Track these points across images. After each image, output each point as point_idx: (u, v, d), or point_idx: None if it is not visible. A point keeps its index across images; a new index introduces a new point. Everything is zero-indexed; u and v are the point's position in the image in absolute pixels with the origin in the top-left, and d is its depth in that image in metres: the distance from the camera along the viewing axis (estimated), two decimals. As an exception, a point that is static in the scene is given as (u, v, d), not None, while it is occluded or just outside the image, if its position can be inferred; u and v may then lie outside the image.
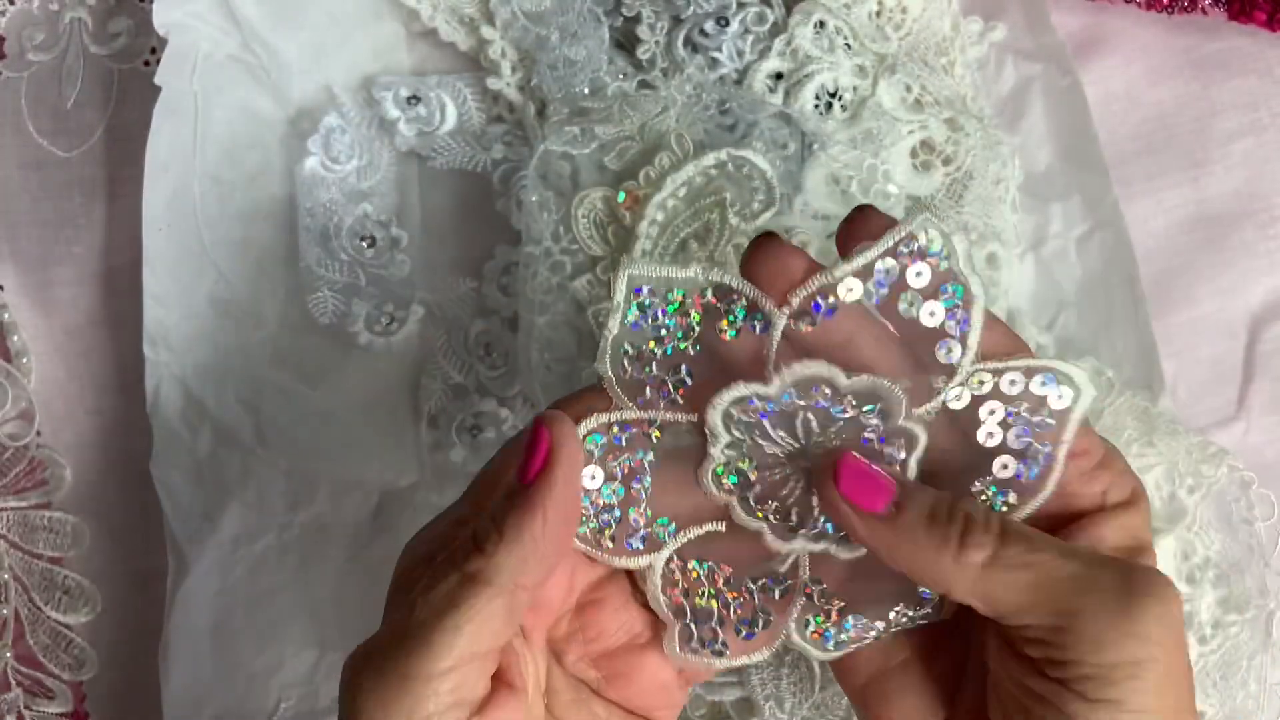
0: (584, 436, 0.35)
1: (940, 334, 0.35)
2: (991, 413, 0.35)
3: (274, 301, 0.55)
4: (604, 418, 0.36)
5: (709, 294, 0.35)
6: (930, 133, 0.52)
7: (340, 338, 0.55)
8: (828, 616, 0.37)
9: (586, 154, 0.50)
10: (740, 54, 0.53)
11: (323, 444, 0.54)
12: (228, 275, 0.55)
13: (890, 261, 0.34)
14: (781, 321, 0.35)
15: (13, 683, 0.54)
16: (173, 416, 0.53)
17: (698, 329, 0.35)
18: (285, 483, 0.54)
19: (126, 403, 0.56)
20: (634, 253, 0.49)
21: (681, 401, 0.36)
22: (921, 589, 0.37)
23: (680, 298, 0.35)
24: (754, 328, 0.35)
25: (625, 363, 0.36)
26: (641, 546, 0.37)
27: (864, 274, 0.34)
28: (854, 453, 0.34)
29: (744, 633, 0.37)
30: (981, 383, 0.35)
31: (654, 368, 0.36)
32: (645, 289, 0.35)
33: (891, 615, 0.37)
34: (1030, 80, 0.56)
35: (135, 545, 0.56)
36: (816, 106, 0.53)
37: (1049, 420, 0.35)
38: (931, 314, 0.35)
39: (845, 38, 0.53)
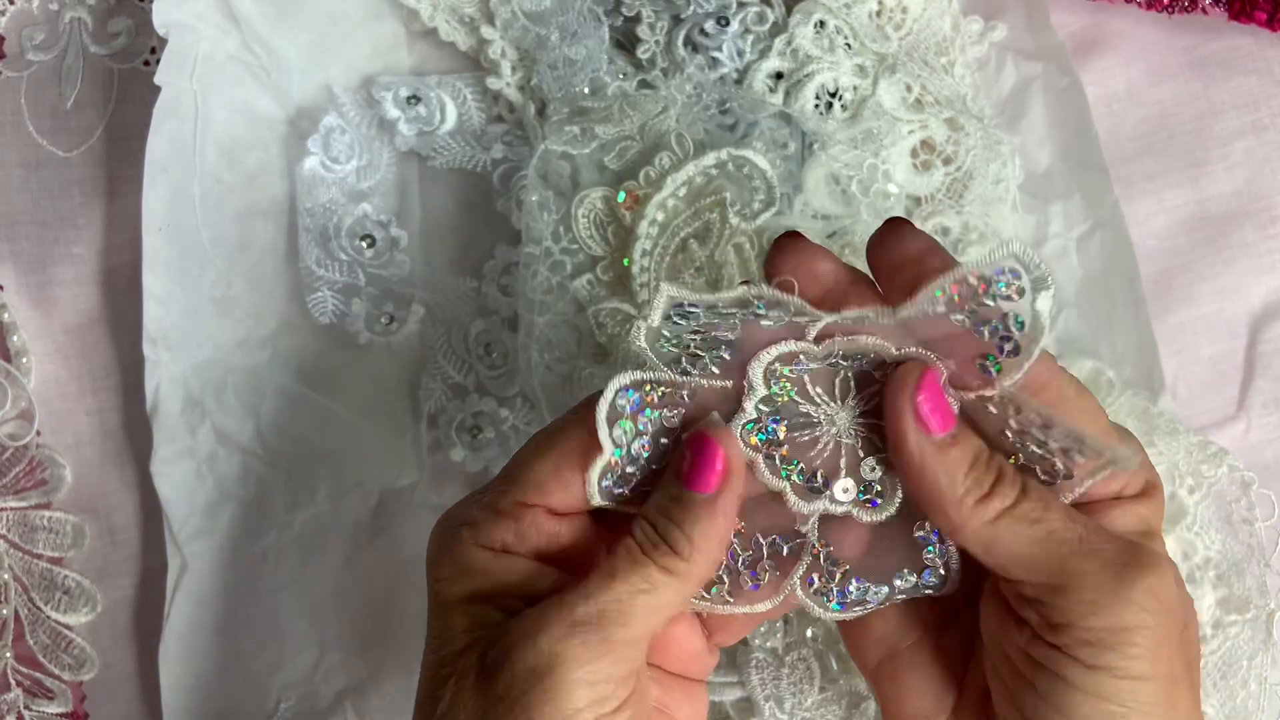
0: (618, 391, 0.36)
1: (990, 346, 0.35)
2: (1020, 429, 0.36)
3: (274, 301, 0.55)
4: (640, 375, 0.36)
5: (757, 306, 0.35)
6: (930, 132, 0.52)
7: (340, 338, 0.55)
8: (832, 578, 0.38)
9: (586, 154, 0.50)
10: (740, 54, 0.53)
11: (323, 444, 0.54)
12: (228, 275, 0.55)
13: (967, 285, 0.34)
14: (829, 318, 0.35)
15: (12, 683, 0.54)
16: (173, 416, 0.53)
17: (739, 325, 0.36)
18: (285, 483, 0.54)
19: (126, 403, 0.56)
20: (633, 253, 0.49)
21: (717, 372, 0.36)
22: (926, 558, 0.37)
23: (725, 309, 0.35)
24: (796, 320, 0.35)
25: (662, 342, 0.36)
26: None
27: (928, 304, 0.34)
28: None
29: (749, 584, 0.38)
30: (1019, 410, 0.35)
31: (692, 346, 0.36)
32: (686, 303, 0.35)
33: (897, 582, 0.37)
34: (1030, 80, 0.56)
35: (135, 545, 0.56)
36: (817, 106, 0.53)
37: (1078, 457, 0.35)
38: (992, 328, 0.34)
39: (845, 37, 0.53)
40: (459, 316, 0.55)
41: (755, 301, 0.35)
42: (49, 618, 0.55)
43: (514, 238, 0.54)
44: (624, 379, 0.36)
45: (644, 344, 0.36)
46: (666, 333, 0.36)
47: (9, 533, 0.55)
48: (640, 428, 0.36)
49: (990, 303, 0.34)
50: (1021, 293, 0.34)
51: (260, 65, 0.55)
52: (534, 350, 0.50)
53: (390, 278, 0.55)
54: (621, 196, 0.50)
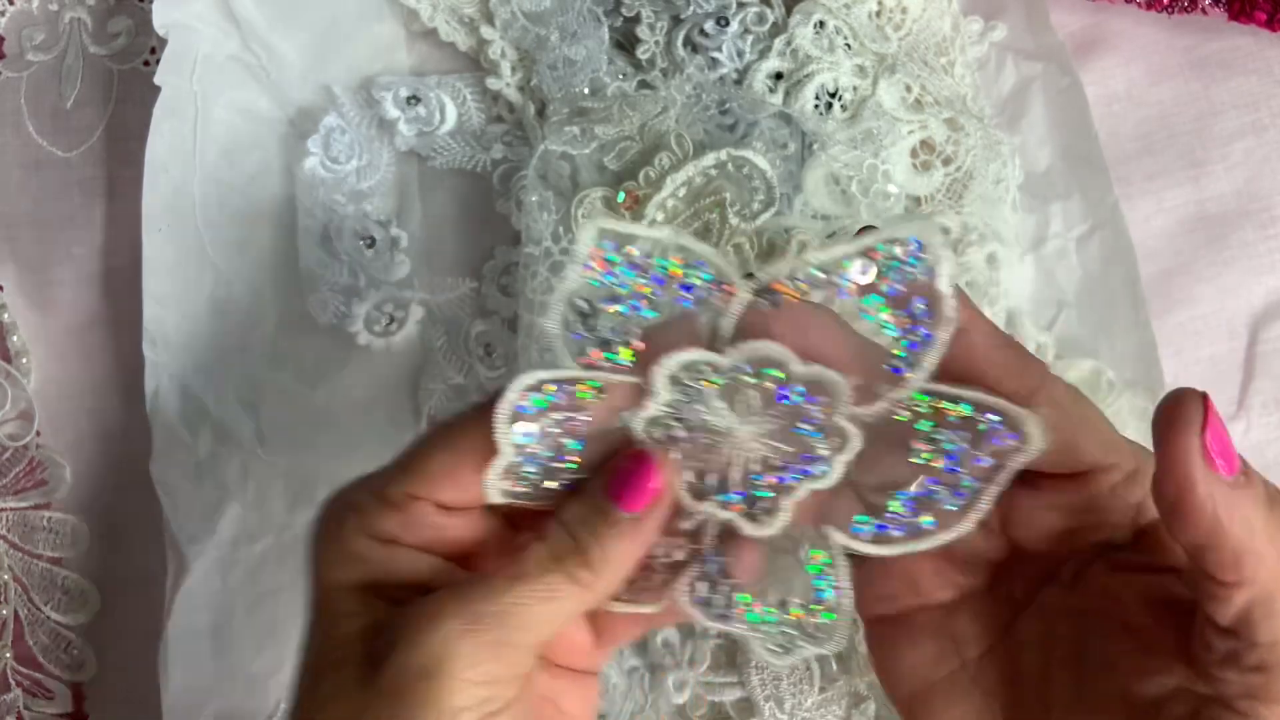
0: (521, 393, 0.34)
1: (897, 345, 0.34)
2: (927, 435, 0.34)
3: (274, 302, 0.55)
4: (545, 374, 0.35)
5: (673, 257, 0.34)
6: (930, 133, 0.52)
7: (340, 338, 0.55)
8: (716, 590, 0.36)
9: (586, 154, 0.50)
10: (740, 54, 0.53)
11: (323, 444, 0.54)
12: (228, 275, 0.55)
13: (867, 260, 0.33)
14: (746, 296, 0.34)
15: (12, 683, 0.54)
16: (173, 416, 0.53)
17: (659, 291, 0.34)
18: (285, 483, 0.54)
19: (126, 403, 0.56)
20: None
21: (625, 363, 0.35)
22: (819, 585, 0.36)
23: (646, 258, 0.34)
24: (713, 299, 0.34)
25: (572, 318, 0.35)
26: (556, 489, 0.36)
27: (833, 267, 0.33)
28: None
29: (637, 583, 0.37)
30: (932, 406, 0.34)
31: (601, 328, 0.35)
32: (611, 244, 0.34)
33: (788, 612, 0.36)
34: (1030, 80, 0.56)
35: (135, 545, 0.56)
36: (816, 106, 0.53)
37: (986, 459, 0.34)
38: (893, 323, 0.33)
39: (845, 38, 0.53)
40: (459, 317, 0.55)
41: (674, 251, 0.34)
42: (49, 618, 0.55)
43: (514, 238, 0.54)
44: (527, 379, 0.34)
45: (555, 327, 0.35)
46: (581, 303, 0.34)
47: (9, 533, 0.55)
48: (544, 428, 0.35)
49: (896, 273, 0.33)
50: (929, 271, 0.33)
51: (260, 66, 0.55)
52: (534, 350, 0.50)
53: (390, 278, 0.55)
54: (621, 197, 0.50)
